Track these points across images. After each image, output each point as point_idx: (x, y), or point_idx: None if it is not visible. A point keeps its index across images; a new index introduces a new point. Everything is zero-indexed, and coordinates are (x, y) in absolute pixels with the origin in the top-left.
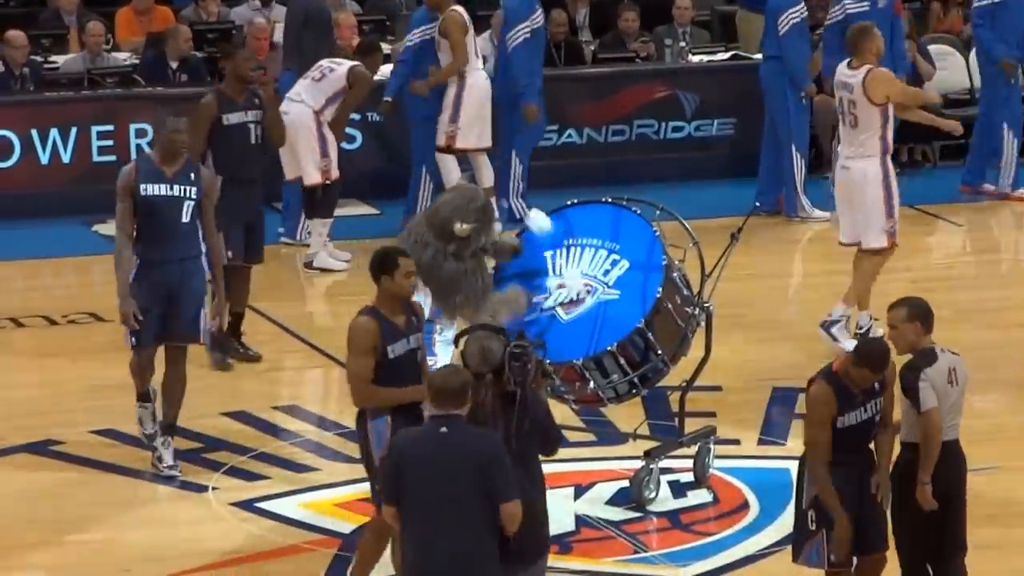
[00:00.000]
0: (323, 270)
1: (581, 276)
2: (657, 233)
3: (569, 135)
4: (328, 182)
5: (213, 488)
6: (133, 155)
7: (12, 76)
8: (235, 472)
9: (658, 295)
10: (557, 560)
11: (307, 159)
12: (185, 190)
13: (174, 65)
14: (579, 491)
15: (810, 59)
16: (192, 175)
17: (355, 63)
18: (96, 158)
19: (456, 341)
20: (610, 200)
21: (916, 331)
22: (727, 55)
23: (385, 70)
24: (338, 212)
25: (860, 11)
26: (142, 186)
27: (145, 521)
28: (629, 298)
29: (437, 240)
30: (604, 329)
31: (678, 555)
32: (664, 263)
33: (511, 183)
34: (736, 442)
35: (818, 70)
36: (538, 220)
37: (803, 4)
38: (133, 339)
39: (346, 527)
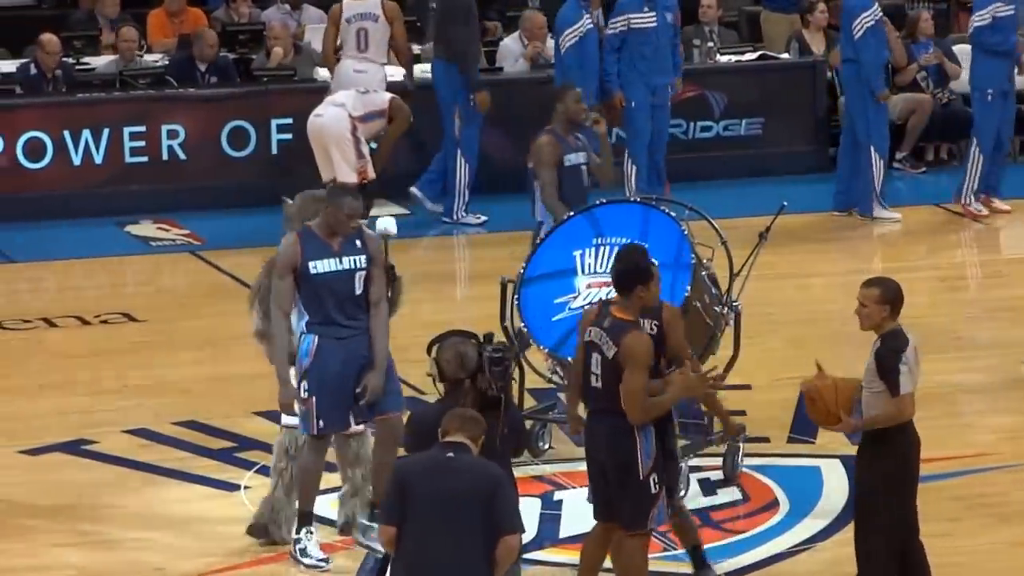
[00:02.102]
0: None
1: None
2: (685, 232)
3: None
4: (364, 182)
5: (245, 487)
6: (164, 155)
7: (44, 78)
8: (267, 471)
9: (686, 294)
10: None
11: (342, 160)
12: (354, 261)
13: (202, 67)
14: None
15: (884, 63)
16: (358, 243)
17: (396, 96)
18: (128, 159)
19: (429, 349)
20: (639, 199)
21: (883, 314)
22: (755, 55)
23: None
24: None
25: (645, 26)
26: (310, 263)
27: (178, 520)
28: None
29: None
30: None
31: (709, 553)
32: (692, 262)
33: None
34: (766, 440)
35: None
36: (385, 223)
37: (876, 6)
38: (320, 423)
39: None
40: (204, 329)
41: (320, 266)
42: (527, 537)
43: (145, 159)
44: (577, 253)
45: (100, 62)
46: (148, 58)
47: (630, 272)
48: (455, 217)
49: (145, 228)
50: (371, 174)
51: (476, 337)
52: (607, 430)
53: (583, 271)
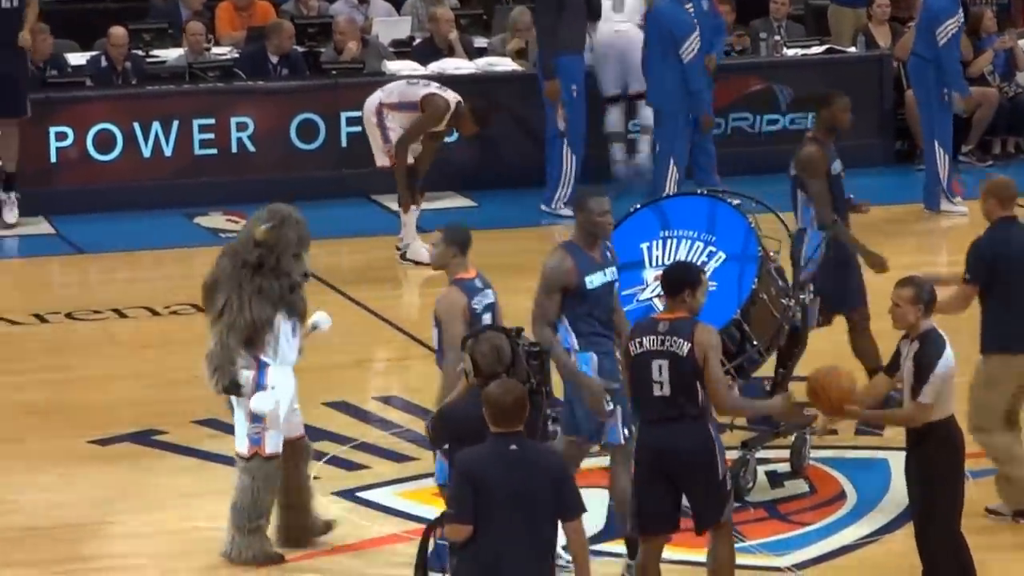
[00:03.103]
0: (416, 263)
1: None
2: (752, 225)
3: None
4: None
5: (315, 477)
6: (233, 148)
7: (115, 71)
8: (336, 462)
9: (754, 286)
10: None
11: (372, 144)
12: (612, 272)
13: (275, 60)
14: None
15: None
16: (608, 254)
17: (435, 92)
18: (197, 151)
19: (463, 344)
20: (706, 192)
21: (917, 314)
22: (821, 48)
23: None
24: (435, 204)
25: None
26: (587, 279)
27: None
28: (726, 289)
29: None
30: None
31: (776, 545)
32: (759, 254)
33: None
34: (833, 432)
35: None
36: (320, 320)
37: (960, 12)
38: (625, 431)
39: None
40: None
41: (595, 280)
42: (596, 528)
43: (214, 151)
44: (644, 245)
45: (170, 55)
46: (216, 51)
47: (680, 275)
48: (553, 207)
49: (214, 220)
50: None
51: (508, 332)
52: (682, 435)
53: (651, 263)
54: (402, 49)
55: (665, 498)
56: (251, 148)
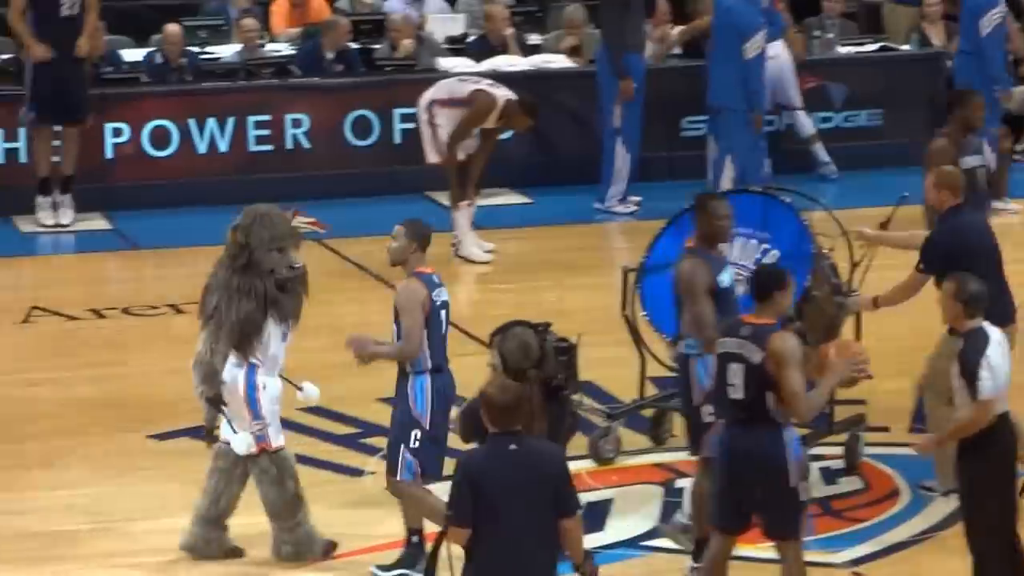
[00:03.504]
0: (467, 260)
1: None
2: (805, 223)
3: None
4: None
5: (370, 472)
6: (288, 144)
7: (170, 67)
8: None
9: (807, 284)
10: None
11: (424, 141)
12: (731, 270)
13: (331, 56)
14: None
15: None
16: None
17: (483, 89)
18: (252, 148)
19: (491, 340)
20: (759, 189)
21: (957, 310)
22: (875, 46)
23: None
24: (491, 201)
25: None
26: (720, 278)
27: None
28: None
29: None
30: None
31: (830, 541)
32: (813, 252)
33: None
34: (886, 429)
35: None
36: (308, 392)
37: (1003, 3)
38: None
39: None
40: (328, 316)
41: (725, 279)
42: (649, 525)
43: (270, 148)
44: None
45: (225, 51)
46: (270, 47)
47: (768, 278)
48: (607, 204)
49: None
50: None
51: (536, 327)
52: (753, 440)
53: None
54: (456, 46)
55: (737, 498)
56: (306, 145)
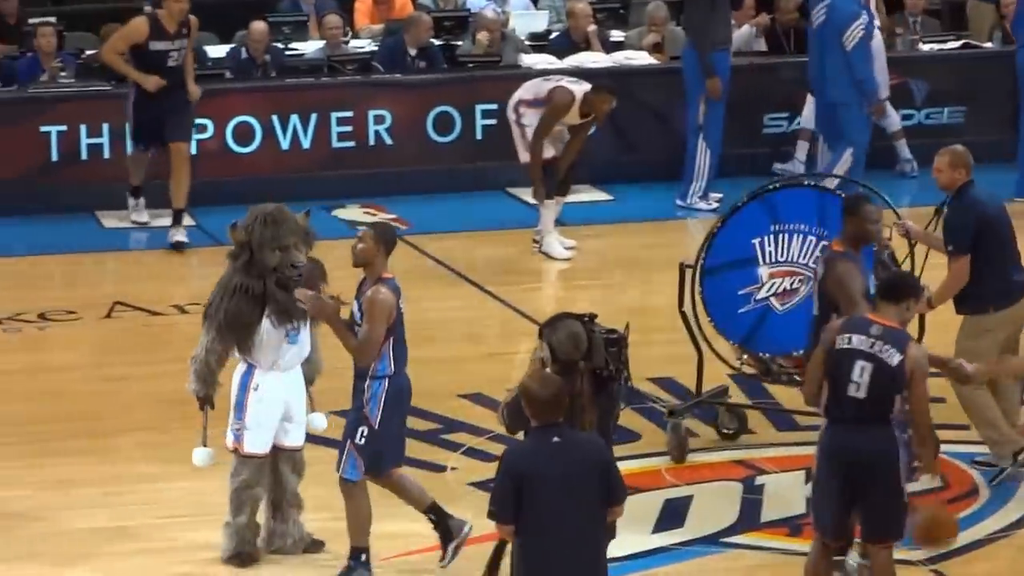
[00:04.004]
0: (548, 256)
1: (792, 264)
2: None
3: (799, 123)
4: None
5: (452, 468)
6: (371, 140)
7: (254, 63)
8: (472, 453)
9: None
10: (787, 542)
11: (516, 141)
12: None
13: (413, 52)
14: (810, 474)
15: None
16: None
17: (562, 85)
18: (335, 144)
19: (541, 333)
20: (812, 183)
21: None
22: (958, 43)
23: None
24: (573, 198)
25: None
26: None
27: (384, 501)
28: None
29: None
30: None
31: (909, 539)
32: (873, 248)
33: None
34: (965, 427)
35: None
36: (315, 422)
37: None
38: None
39: None
40: (410, 312)
41: (870, 282)
42: (729, 521)
43: (352, 144)
44: (756, 241)
45: (308, 48)
46: (354, 44)
47: (906, 285)
48: (688, 202)
49: (352, 212)
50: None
51: (582, 318)
52: (869, 439)
53: (764, 260)
54: (539, 43)
55: (845, 499)
56: (388, 141)
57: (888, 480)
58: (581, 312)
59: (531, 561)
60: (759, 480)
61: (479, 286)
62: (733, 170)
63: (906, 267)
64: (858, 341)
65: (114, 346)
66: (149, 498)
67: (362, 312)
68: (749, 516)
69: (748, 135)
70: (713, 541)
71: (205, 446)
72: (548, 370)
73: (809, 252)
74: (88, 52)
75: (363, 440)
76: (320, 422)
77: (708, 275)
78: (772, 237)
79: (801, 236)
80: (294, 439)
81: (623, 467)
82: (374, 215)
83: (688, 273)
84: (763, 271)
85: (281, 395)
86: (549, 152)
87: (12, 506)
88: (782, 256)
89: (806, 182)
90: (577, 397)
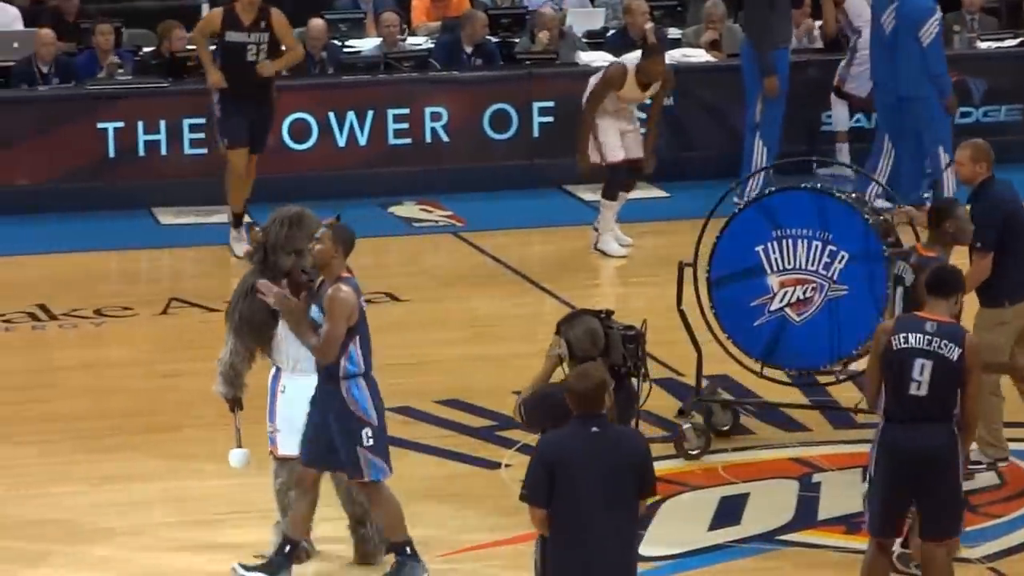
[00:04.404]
0: (604, 253)
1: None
2: (868, 220)
3: (858, 120)
4: (603, 164)
5: (506, 465)
6: (427, 138)
7: (312, 60)
8: (527, 450)
9: (888, 290)
10: (844, 540)
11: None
12: None
13: (469, 50)
14: (866, 472)
15: None
16: None
17: (615, 61)
18: (391, 141)
19: (558, 328)
20: (808, 187)
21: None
22: (1015, 41)
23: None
24: (628, 195)
25: None
26: None
27: (440, 496)
28: (859, 294)
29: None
30: (843, 331)
31: (966, 536)
32: (884, 250)
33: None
34: (1022, 425)
35: None
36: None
37: None
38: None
39: None
40: (466, 309)
41: None
42: (785, 519)
43: (408, 141)
44: (759, 249)
45: (365, 45)
46: (411, 41)
47: (954, 279)
48: (745, 199)
49: (408, 209)
50: (610, 157)
51: (599, 314)
52: (929, 436)
53: (771, 268)
54: (596, 40)
55: (899, 500)
56: (444, 138)
57: (948, 477)
58: (598, 309)
59: (561, 550)
60: (816, 478)
61: (534, 283)
62: (790, 168)
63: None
64: (915, 340)
65: (170, 342)
66: (204, 494)
67: (323, 312)
68: (806, 514)
69: (805, 133)
70: (769, 539)
71: (240, 447)
72: (566, 366)
73: (817, 258)
74: (146, 49)
75: (371, 441)
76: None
77: (715, 287)
78: (776, 244)
79: (806, 241)
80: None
81: (681, 464)
82: (430, 212)
83: (687, 272)
84: (772, 280)
85: (308, 397)
86: (619, 154)
87: (68, 501)
88: (789, 263)
89: (801, 185)
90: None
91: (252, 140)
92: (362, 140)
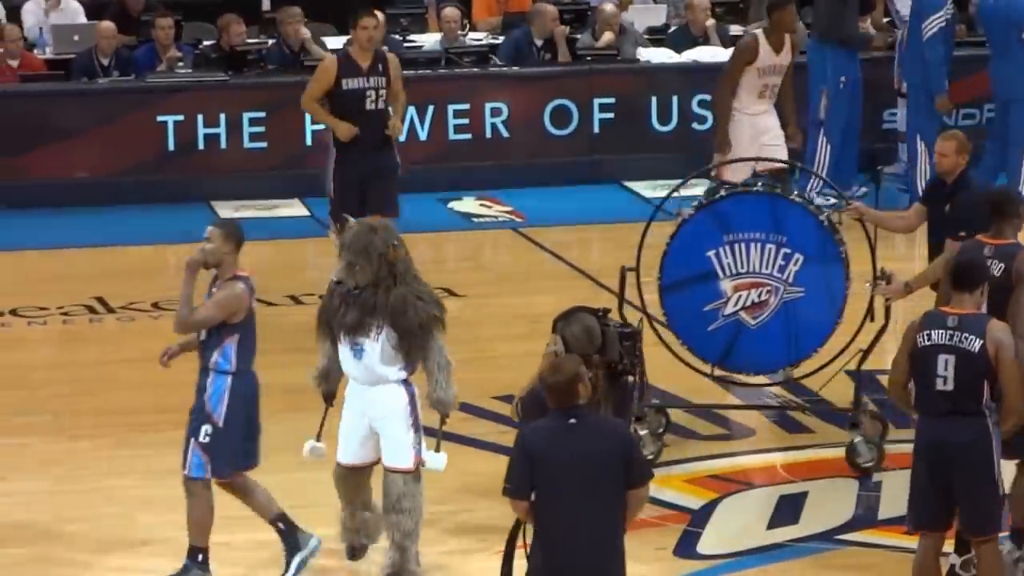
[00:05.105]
0: None
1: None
2: (823, 221)
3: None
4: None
5: None
6: (487, 133)
7: None
8: None
9: (847, 291)
10: (904, 540)
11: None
12: None
13: (539, 43)
14: None
15: None
16: None
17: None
18: (452, 136)
19: (554, 326)
20: (761, 188)
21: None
22: None
23: None
24: (689, 191)
25: None
26: None
27: (497, 492)
28: (815, 295)
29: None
30: (801, 333)
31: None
32: (842, 255)
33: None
34: None
35: None
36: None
37: None
38: None
39: (695, 503)
40: (524, 305)
41: None
42: (845, 518)
43: (468, 136)
44: (711, 253)
45: (426, 40)
46: (472, 36)
47: (979, 270)
48: (808, 195)
49: (468, 204)
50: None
51: (596, 312)
52: (960, 431)
53: (724, 273)
54: (657, 36)
55: (940, 494)
56: (505, 134)
57: (981, 471)
58: (595, 307)
59: (546, 541)
60: (876, 477)
61: (594, 279)
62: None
63: (866, 253)
64: (937, 336)
65: None
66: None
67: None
68: (865, 513)
69: (868, 130)
70: (828, 538)
71: (318, 440)
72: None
73: (771, 261)
74: (205, 42)
75: (207, 438)
76: (436, 462)
77: (666, 292)
78: (728, 248)
79: (759, 244)
80: (385, 456)
81: (740, 462)
82: (489, 207)
83: (630, 276)
84: (725, 285)
85: (359, 408)
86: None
87: (122, 494)
88: (742, 268)
89: (756, 187)
90: (584, 382)
91: (370, 201)
92: (422, 135)
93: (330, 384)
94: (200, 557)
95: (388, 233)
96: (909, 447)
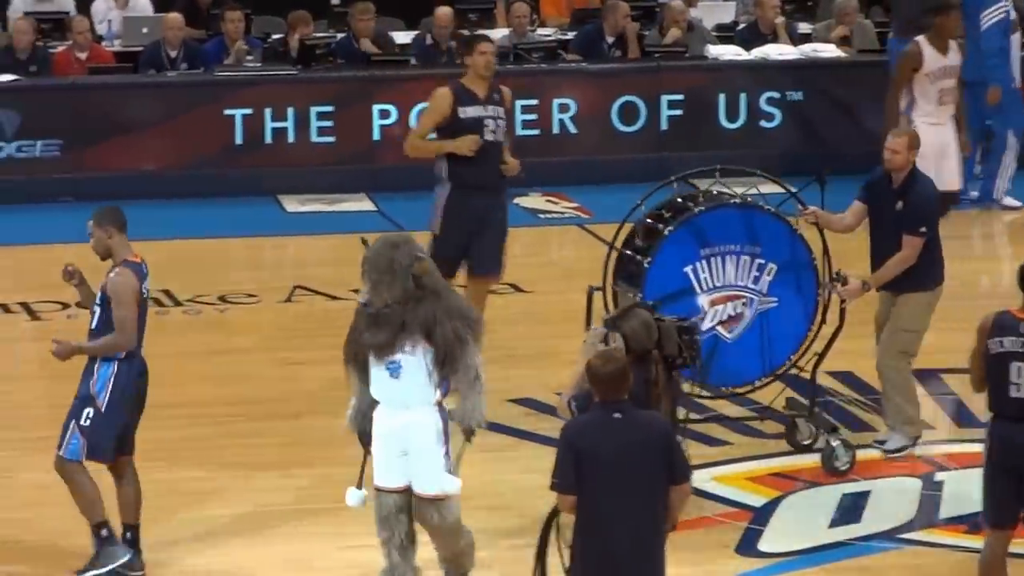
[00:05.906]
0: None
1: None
2: (796, 228)
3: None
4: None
5: None
6: (555, 129)
7: (439, 50)
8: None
9: (820, 297)
10: (966, 540)
11: None
12: None
13: (611, 40)
14: None
15: None
16: None
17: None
18: (519, 132)
19: (612, 324)
20: (736, 200)
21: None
22: None
23: None
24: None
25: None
26: None
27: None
28: (788, 304)
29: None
30: (774, 343)
31: None
32: (813, 261)
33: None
34: None
35: None
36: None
37: None
38: None
39: (757, 500)
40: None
41: None
42: (907, 517)
43: (536, 132)
44: (688, 269)
45: (495, 35)
46: (540, 32)
47: None
48: (996, 197)
49: (534, 200)
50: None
51: (648, 307)
52: None
53: (701, 288)
54: (726, 34)
55: (1013, 491)
56: (572, 130)
57: None
58: (648, 302)
59: (588, 534)
60: (939, 476)
61: None
62: None
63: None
64: (1010, 343)
65: (293, 330)
66: (326, 481)
67: (105, 298)
68: (928, 513)
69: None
70: (890, 537)
71: (360, 488)
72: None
73: (746, 272)
74: (274, 36)
75: (88, 422)
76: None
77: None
78: (704, 263)
79: (735, 257)
80: (416, 482)
81: (803, 460)
82: (556, 203)
83: (597, 296)
84: (702, 300)
85: (390, 430)
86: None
87: (192, 487)
88: (718, 281)
89: (727, 199)
90: (652, 386)
91: (474, 253)
92: None
93: (367, 423)
94: (104, 532)
95: (411, 246)
96: (973, 447)
